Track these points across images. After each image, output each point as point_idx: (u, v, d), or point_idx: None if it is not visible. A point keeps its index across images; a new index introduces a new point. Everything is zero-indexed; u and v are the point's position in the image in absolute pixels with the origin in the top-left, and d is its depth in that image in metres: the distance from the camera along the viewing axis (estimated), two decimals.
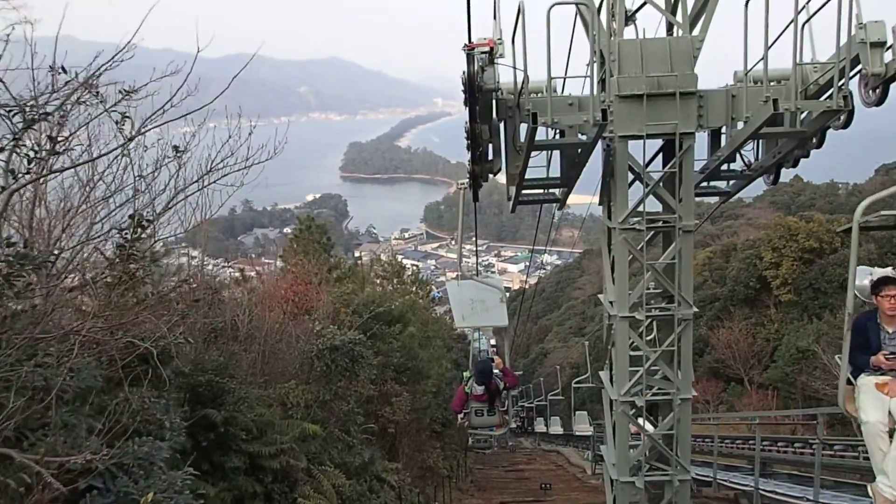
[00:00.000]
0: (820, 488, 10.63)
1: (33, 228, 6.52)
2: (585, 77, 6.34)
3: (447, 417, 21.26)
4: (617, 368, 7.30)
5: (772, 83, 6.41)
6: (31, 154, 4.78)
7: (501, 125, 6.96)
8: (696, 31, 6.61)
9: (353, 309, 15.08)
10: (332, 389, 11.23)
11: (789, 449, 15.35)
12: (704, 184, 8.14)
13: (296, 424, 10.18)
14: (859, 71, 5.93)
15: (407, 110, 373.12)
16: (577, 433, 26.39)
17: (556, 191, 8.20)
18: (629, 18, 6.79)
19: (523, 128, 6.88)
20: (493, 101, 6.46)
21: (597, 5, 6.52)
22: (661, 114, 6.50)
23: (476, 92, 5.77)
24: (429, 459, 19.77)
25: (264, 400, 10.29)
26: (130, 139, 5.76)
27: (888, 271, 5.97)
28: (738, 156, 7.44)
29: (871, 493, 5.23)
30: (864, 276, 8.62)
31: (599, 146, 7.06)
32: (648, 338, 7.45)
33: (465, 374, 11.30)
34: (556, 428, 35.01)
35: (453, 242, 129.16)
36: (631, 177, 7.04)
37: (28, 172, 4.80)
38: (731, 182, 8.10)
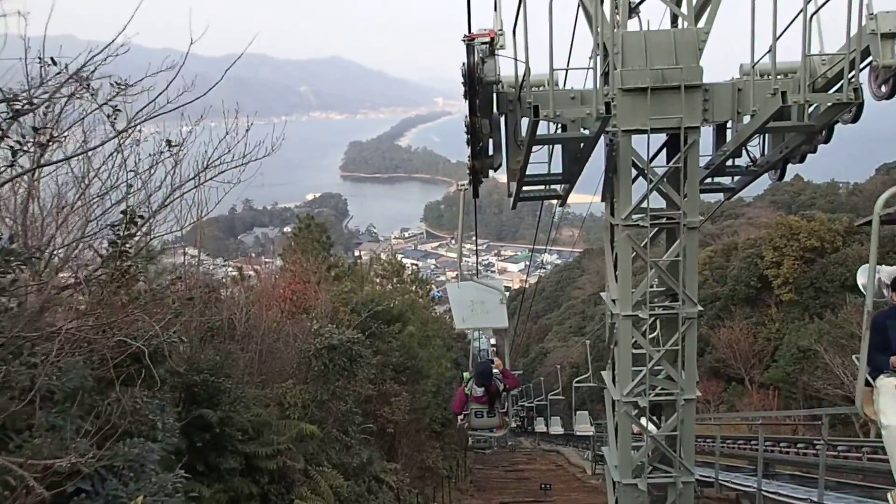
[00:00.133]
0: (824, 489, 10.50)
1: (27, 226, 6.40)
2: (589, 68, 6.19)
3: (447, 417, 21.14)
4: (619, 368, 7.15)
5: (778, 76, 6.26)
6: (16, 146, 4.62)
7: (502, 119, 6.81)
8: (701, 23, 6.46)
9: (351, 308, 14.94)
10: (329, 389, 11.08)
11: (791, 449, 15.22)
12: (708, 180, 8.00)
13: (293, 425, 10.05)
14: (869, 63, 5.79)
15: (407, 110, 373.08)
16: (578, 433, 26.26)
17: (558, 187, 8.05)
18: (633, 10, 6.64)
19: (524, 122, 6.74)
20: (494, 95, 6.31)
21: None
22: (665, 108, 6.35)
23: (476, 84, 5.62)
24: (428, 460, 19.64)
25: (261, 400, 10.16)
26: (120, 132, 5.62)
27: (895, 270, 5.78)
28: (744, 151, 7.29)
29: (891, 501, 5.04)
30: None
31: (602, 141, 6.92)
32: (651, 336, 7.30)
33: (464, 374, 11.23)
34: (557, 428, 34.88)
35: (453, 242, 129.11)
36: (634, 173, 6.89)
37: (11, 165, 4.65)
38: (736, 178, 7.95)
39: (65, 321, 5.60)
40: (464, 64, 5.50)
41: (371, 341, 14.20)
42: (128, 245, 6.52)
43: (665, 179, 6.73)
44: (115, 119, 5.86)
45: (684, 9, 6.55)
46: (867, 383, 5.06)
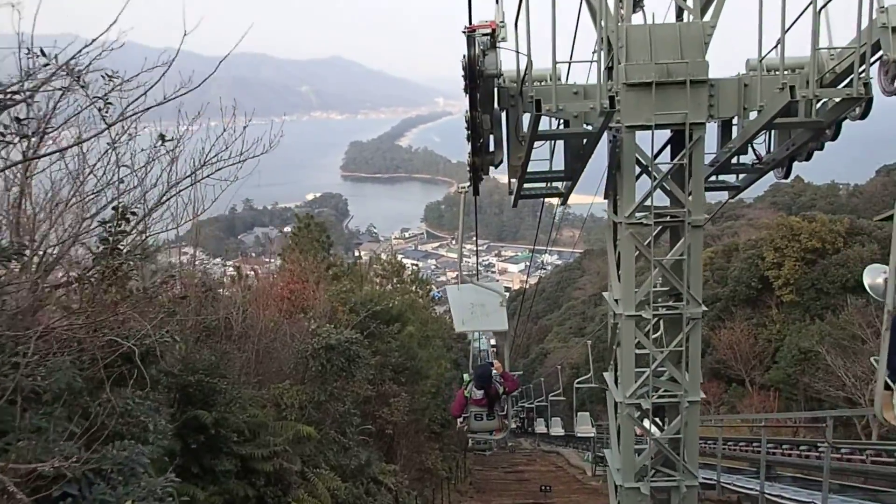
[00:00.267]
0: (828, 492, 10.35)
1: (20, 223, 6.27)
2: (592, 61, 6.04)
3: (446, 418, 21.01)
4: (622, 369, 7.00)
5: (786, 72, 6.12)
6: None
7: (503, 115, 6.66)
8: (707, 17, 6.32)
9: (350, 307, 14.80)
10: (327, 390, 10.95)
11: (794, 452, 15.09)
12: (713, 178, 7.85)
13: (290, 426, 9.93)
14: (880, 58, 5.64)
15: (408, 110, 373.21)
16: (580, 434, 26.11)
17: (560, 184, 7.90)
18: (637, 3, 6.50)
19: (526, 118, 6.59)
20: (495, 89, 6.16)
21: None
22: (670, 103, 6.20)
23: (477, 77, 5.47)
24: (427, 461, 19.52)
25: (257, 401, 10.03)
26: (111, 125, 5.48)
27: None
28: (749, 148, 7.14)
29: None
30: (877, 275, 8.34)
31: (605, 138, 6.77)
32: (654, 336, 7.15)
33: (464, 376, 11.16)
34: (557, 429, 34.70)
35: (454, 242, 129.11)
36: (637, 170, 6.75)
37: None
38: (741, 176, 7.81)
39: (50, 320, 5.45)
40: (464, 56, 5.35)
41: (370, 341, 14.07)
42: (120, 242, 6.41)
43: (669, 176, 6.58)
44: (106, 113, 5.73)
45: (690, 2, 6.40)
46: (887, 386, 4.88)
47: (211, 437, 8.45)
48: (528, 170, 7.04)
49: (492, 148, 6.85)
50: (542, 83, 6.39)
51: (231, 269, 17.94)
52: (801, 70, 6.40)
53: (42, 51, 5.34)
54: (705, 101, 6.29)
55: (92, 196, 6.60)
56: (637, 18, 6.43)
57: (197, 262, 11.91)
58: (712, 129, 7.14)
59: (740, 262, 38.78)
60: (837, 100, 6.06)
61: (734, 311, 37.47)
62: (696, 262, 6.70)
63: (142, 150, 6.62)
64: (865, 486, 12.46)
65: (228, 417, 8.73)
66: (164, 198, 6.95)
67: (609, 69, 6.35)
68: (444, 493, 21.46)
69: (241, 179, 7.43)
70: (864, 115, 6.06)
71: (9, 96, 4.43)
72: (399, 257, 41.90)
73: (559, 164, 7.34)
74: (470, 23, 5.38)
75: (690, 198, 6.56)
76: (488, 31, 5.38)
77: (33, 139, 5.96)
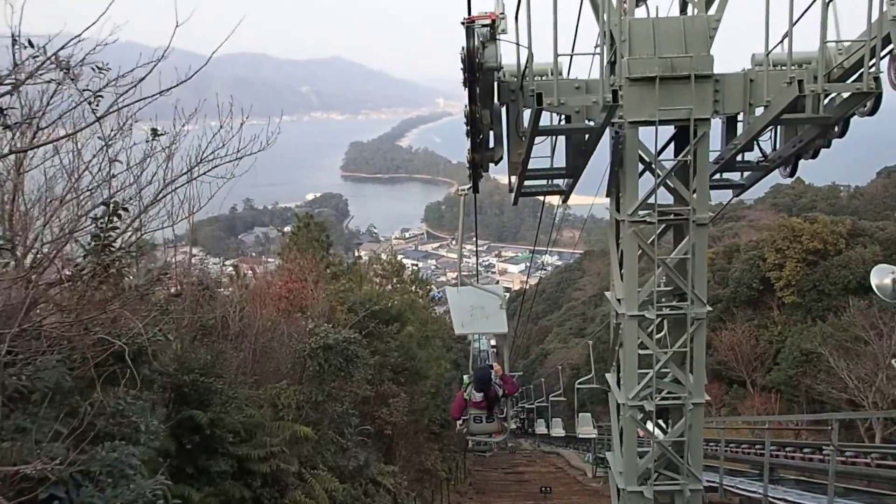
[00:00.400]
0: (833, 496, 10.21)
1: (13, 219, 6.15)
2: (595, 53, 5.90)
3: (446, 418, 20.89)
4: (625, 371, 6.85)
5: (793, 67, 5.98)
6: None
7: (503, 110, 6.52)
8: (712, 10, 6.18)
9: (348, 307, 14.67)
10: (325, 390, 10.84)
11: (797, 454, 14.94)
12: (717, 176, 7.70)
13: (287, 426, 9.82)
14: (890, 52, 5.50)
15: (409, 110, 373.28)
16: (581, 436, 25.94)
17: (561, 182, 7.76)
18: None
19: (527, 114, 6.46)
20: (495, 83, 6.02)
21: None
22: (674, 98, 6.05)
23: (476, 70, 5.33)
24: (427, 462, 19.40)
25: (254, 401, 9.92)
26: (100, 117, 5.36)
27: None
28: (755, 145, 6.99)
29: None
30: (885, 275, 8.21)
31: (607, 134, 6.63)
32: (657, 337, 7.00)
33: (464, 377, 11.08)
34: (558, 430, 34.52)
35: (454, 242, 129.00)
36: (640, 167, 6.60)
37: None
38: (746, 174, 7.66)
39: (38, 317, 5.32)
40: (463, 49, 5.20)
41: (369, 341, 13.96)
42: (111, 238, 6.29)
43: (673, 174, 6.44)
44: (96, 106, 5.62)
45: None
46: None
47: (206, 438, 8.34)
48: (529, 167, 6.89)
49: (492, 144, 6.71)
50: (543, 78, 6.25)
51: (229, 268, 17.83)
52: (807, 65, 6.27)
53: (30, 42, 5.22)
54: (710, 96, 6.15)
55: (87, 193, 6.50)
56: (640, 12, 6.28)
57: (194, 261, 11.81)
58: (716, 126, 7.00)
59: (741, 263, 38.59)
60: (846, 95, 5.92)
61: (735, 312, 37.28)
62: (701, 261, 6.56)
63: (135, 143, 6.51)
64: (869, 489, 12.32)
65: (224, 417, 8.62)
66: (160, 195, 6.86)
67: (612, 64, 6.21)
68: (443, 494, 21.33)
69: (237, 177, 7.34)
70: (873, 111, 5.92)
71: None
72: (399, 257, 41.78)
73: (560, 160, 7.19)
74: (469, 13, 5.23)
75: (695, 195, 6.42)
76: (488, 21, 5.23)
77: (27, 134, 5.87)
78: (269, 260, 25.29)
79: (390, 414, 15.32)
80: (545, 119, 6.17)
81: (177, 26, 5.52)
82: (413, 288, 31.03)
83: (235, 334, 10.71)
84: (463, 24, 5.09)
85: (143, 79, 5.42)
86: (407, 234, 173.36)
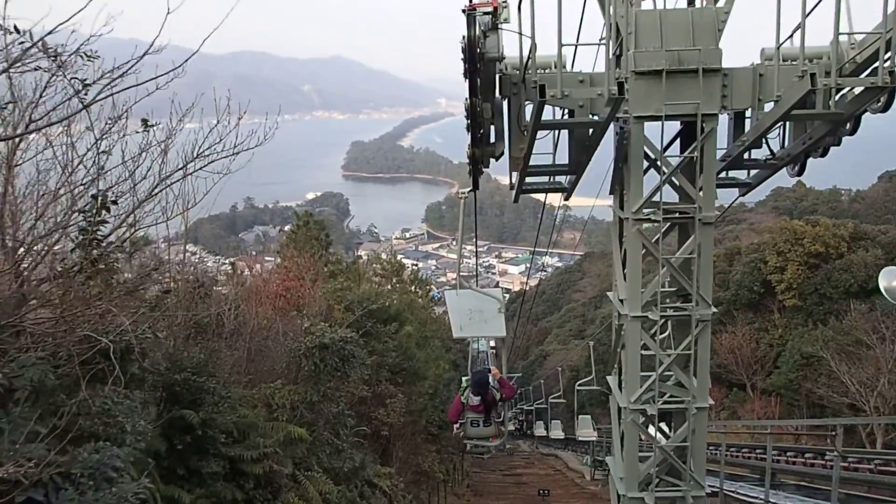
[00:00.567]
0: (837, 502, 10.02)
1: (3, 213, 5.99)
2: (601, 43, 5.71)
3: (444, 419, 20.69)
4: (627, 373, 6.67)
5: (804, 61, 5.78)
6: None
7: (505, 104, 6.34)
8: (720, 2, 5.99)
9: (345, 305, 14.48)
10: (320, 390, 10.65)
11: (798, 459, 14.76)
12: (722, 174, 7.52)
13: (281, 427, 9.64)
14: None
15: (410, 110, 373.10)
16: (581, 438, 25.73)
17: (563, 179, 7.57)
18: None
19: (529, 108, 6.27)
20: (497, 75, 5.84)
21: None
22: (681, 93, 5.88)
23: (477, 60, 5.14)
24: (424, 463, 19.21)
25: (248, 400, 9.74)
26: (87, 105, 5.18)
27: None
28: (763, 142, 6.80)
29: None
30: (893, 277, 8.04)
31: (611, 130, 6.44)
32: (661, 336, 6.81)
33: (462, 379, 10.97)
34: (558, 432, 34.31)
35: (454, 243, 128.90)
36: (645, 164, 6.42)
37: None
38: (754, 172, 7.48)
39: (20, 312, 5.14)
40: (464, 37, 5.01)
41: (366, 341, 13.78)
42: (99, 232, 6.12)
43: (679, 171, 6.25)
44: (85, 94, 5.45)
45: None
46: None
47: (198, 438, 8.17)
48: (531, 163, 6.72)
49: (493, 139, 6.53)
50: (546, 71, 6.07)
51: (226, 265, 17.66)
52: (818, 60, 6.09)
53: (16, 27, 5.05)
54: (718, 90, 5.97)
55: (81, 187, 6.34)
56: (647, 3, 6.10)
57: (189, 257, 11.63)
58: (723, 123, 6.82)
59: (742, 266, 38.39)
60: (858, 91, 5.73)
61: (736, 314, 37.09)
62: (707, 261, 6.38)
63: (126, 134, 6.35)
64: (871, 495, 12.14)
65: (217, 417, 8.44)
66: (155, 190, 6.71)
67: (617, 57, 6.02)
68: (440, 497, 21.15)
69: (232, 173, 7.22)
70: (886, 107, 5.74)
71: None
72: (399, 257, 41.59)
73: (563, 157, 7.02)
74: (470, 1, 5.04)
75: (701, 193, 6.23)
76: (489, 9, 5.04)
77: (19, 127, 5.70)
78: (268, 258, 25.11)
79: (387, 415, 15.12)
80: (548, 113, 5.99)
81: (168, 13, 5.34)
82: (412, 288, 30.86)
83: (230, 333, 10.53)
84: (464, 11, 4.90)
85: (133, 65, 5.25)
86: (407, 234, 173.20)
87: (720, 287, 38.98)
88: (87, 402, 5.47)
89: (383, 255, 42.77)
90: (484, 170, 7.17)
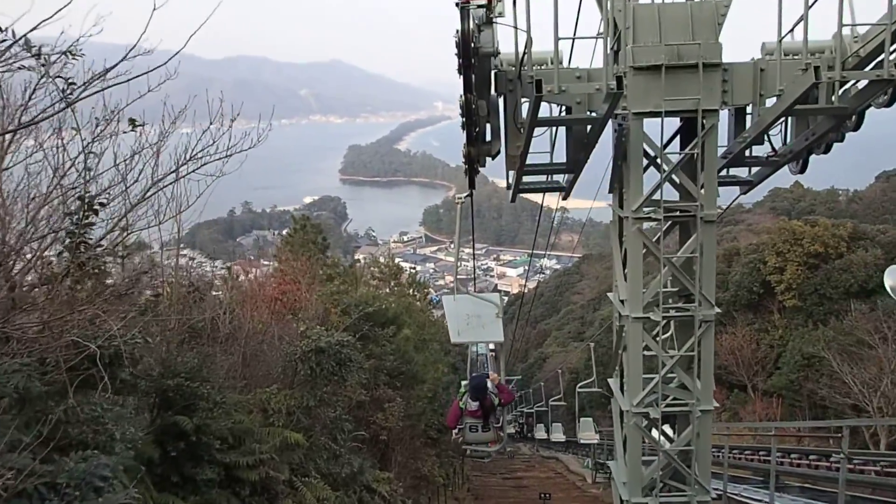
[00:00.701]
0: None
1: None
2: (598, 37, 5.58)
3: (443, 423, 20.53)
4: (629, 375, 6.53)
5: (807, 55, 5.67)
6: None
7: (500, 101, 6.21)
8: None
9: (342, 309, 14.32)
10: (317, 395, 10.48)
11: (802, 461, 14.62)
12: (723, 172, 7.39)
13: (277, 432, 9.48)
14: None
15: (407, 114, 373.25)
16: (583, 441, 25.56)
17: (561, 178, 7.44)
18: None
19: (525, 105, 6.14)
20: (492, 71, 5.71)
21: None
22: (680, 88, 5.76)
23: (471, 55, 5.01)
24: (423, 468, 19.03)
25: (243, 406, 9.58)
26: (70, 103, 5.06)
27: None
28: (765, 139, 6.68)
29: None
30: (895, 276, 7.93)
31: (610, 127, 6.31)
32: (664, 337, 6.67)
33: (461, 382, 10.87)
34: (559, 435, 34.11)
35: (451, 246, 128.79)
36: (645, 161, 6.29)
37: None
38: (755, 170, 7.35)
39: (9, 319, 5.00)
40: (457, 32, 4.88)
41: (363, 344, 13.61)
42: (88, 235, 5.99)
43: (679, 168, 6.13)
44: (70, 93, 5.32)
45: None
46: None
47: (192, 444, 8.02)
48: (528, 161, 6.58)
49: (489, 137, 6.40)
50: (543, 66, 5.95)
51: (222, 269, 17.52)
52: (820, 54, 5.97)
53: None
54: (718, 86, 5.85)
55: (73, 190, 6.23)
56: None
57: (183, 261, 11.50)
58: (723, 120, 6.69)
59: (742, 267, 38.30)
60: (862, 85, 5.61)
61: (736, 315, 36.98)
62: (709, 259, 6.25)
63: (115, 133, 6.24)
64: (876, 497, 12.00)
65: (211, 423, 8.29)
66: (147, 193, 6.61)
67: (615, 52, 5.90)
68: (440, 501, 20.97)
69: (225, 174, 7.10)
70: (891, 101, 5.62)
71: None
72: (397, 260, 41.44)
73: (560, 155, 6.88)
74: None
75: (702, 191, 6.10)
76: (484, 2, 4.91)
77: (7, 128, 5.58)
78: (265, 263, 24.99)
79: (386, 419, 14.95)
80: (545, 110, 5.86)
81: (154, 9, 5.22)
82: (411, 291, 30.72)
83: (225, 337, 10.38)
84: (457, 5, 4.76)
85: (119, 63, 5.13)
86: (405, 238, 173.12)
87: (719, 288, 38.81)
88: (76, 410, 5.33)
89: (381, 259, 42.65)
90: (480, 172, 7.04)
